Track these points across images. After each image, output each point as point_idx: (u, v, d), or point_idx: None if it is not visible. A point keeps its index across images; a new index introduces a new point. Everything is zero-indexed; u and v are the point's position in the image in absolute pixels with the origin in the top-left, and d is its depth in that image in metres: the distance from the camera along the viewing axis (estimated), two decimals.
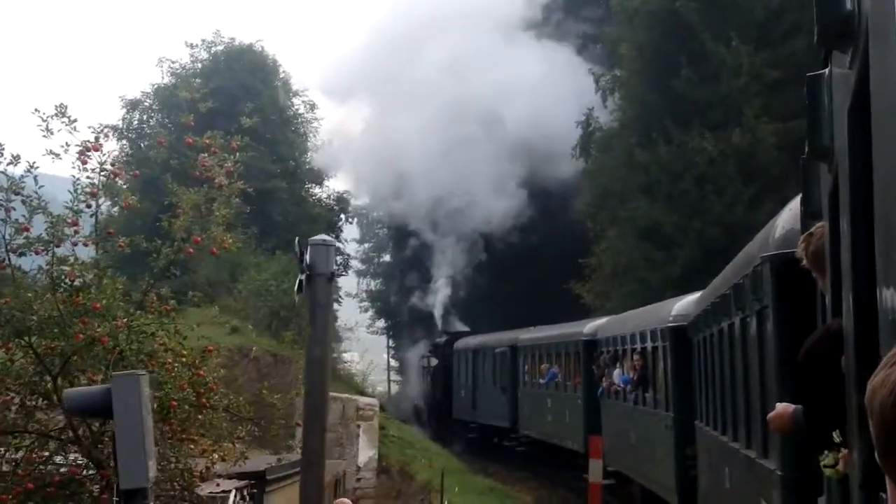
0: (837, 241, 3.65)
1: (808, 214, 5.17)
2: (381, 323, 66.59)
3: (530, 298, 48.50)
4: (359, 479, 27.19)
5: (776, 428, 5.39)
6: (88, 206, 12.37)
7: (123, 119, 54.74)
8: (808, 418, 4.65)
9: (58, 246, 12.01)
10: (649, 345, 20.43)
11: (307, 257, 10.84)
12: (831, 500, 4.88)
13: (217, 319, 40.12)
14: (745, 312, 11.16)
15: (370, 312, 66.29)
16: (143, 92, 55.41)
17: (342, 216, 59.25)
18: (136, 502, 5.87)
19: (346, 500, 11.58)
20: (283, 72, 58.17)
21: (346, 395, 29.30)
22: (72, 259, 12.09)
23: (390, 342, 67.31)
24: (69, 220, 12.00)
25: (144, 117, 55.19)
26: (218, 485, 13.46)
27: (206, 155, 13.04)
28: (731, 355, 12.29)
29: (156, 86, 54.90)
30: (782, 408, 5.16)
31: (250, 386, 38.93)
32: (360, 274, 66.77)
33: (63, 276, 11.92)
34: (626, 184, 36.00)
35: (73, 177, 12.03)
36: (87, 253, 12.58)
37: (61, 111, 11.97)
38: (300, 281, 10.92)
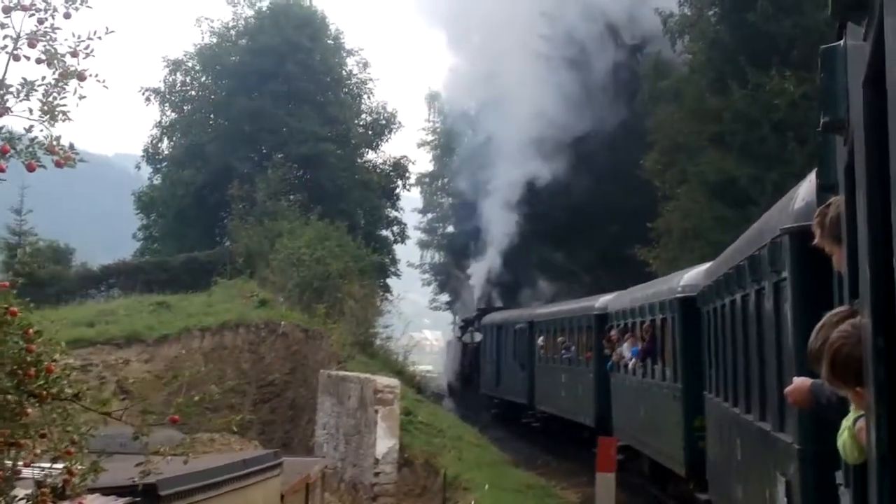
0: (854, 216, 3.65)
1: (824, 188, 5.13)
2: (444, 297, 62.89)
3: (597, 268, 44.87)
4: (377, 474, 23.46)
5: (794, 401, 5.28)
6: None
7: (165, 80, 51.65)
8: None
9: None
10: (658, 317, 20.26)
11: None
12: (849, 474, 4.70)
13: (243, 293, 36.69)
14: (762, 284, 10.95)
15: (433, 286, 62.67)
16: (185, 52, 52.33)
17: (399, 182, 55.30)
18: None
19: None
20: (335, 28, 54.47)
21: (366, 376, 25.52)
22: None
23: (456, 318, 63.63)
24: None
25: (188, 79, 52.02)
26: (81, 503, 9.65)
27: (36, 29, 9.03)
28: (745, 326, 12.01)
29: (198, 45, 51.76)
30: (800, 381, 5.15)
31: (280, 365, 35.63)
32: (422, 245, 63.12)
33: None
34: (696, 136, 32.05)
35: None
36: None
37: None
38: None
